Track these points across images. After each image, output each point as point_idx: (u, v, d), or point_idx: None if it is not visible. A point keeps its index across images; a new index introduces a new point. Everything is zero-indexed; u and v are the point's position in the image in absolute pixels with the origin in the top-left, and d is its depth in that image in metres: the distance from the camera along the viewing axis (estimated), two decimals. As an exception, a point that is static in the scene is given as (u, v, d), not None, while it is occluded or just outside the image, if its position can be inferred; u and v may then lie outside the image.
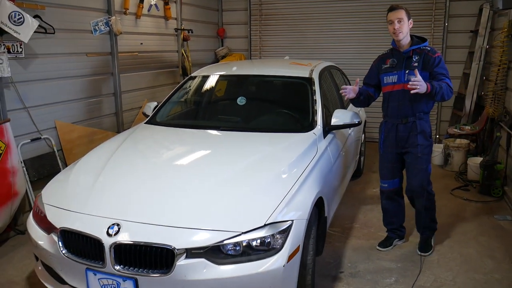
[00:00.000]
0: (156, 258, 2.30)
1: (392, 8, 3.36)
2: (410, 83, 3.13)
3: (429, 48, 3.40)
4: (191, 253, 2.29)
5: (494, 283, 3.24)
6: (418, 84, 3.10)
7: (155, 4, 5.97)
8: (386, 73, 3.50)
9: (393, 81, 3.46)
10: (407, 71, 3.38)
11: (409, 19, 3.35)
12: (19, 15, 3.72)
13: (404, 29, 3.32)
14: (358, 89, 3.55)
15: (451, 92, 3.29)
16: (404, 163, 3.62)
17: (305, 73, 4.01)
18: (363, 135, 5.48)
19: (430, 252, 3.68)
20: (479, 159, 5.39)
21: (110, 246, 2.33)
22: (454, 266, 3.48)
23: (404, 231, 3.89)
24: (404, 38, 3.37)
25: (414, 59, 3.38)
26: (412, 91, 3.14)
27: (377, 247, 3.78)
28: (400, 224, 3.85)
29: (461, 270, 3.42)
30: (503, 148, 5.24)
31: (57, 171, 4.25)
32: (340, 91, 3.63)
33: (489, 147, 5.59)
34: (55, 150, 4.44)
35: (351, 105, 4.60)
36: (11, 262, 3.58)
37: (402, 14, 3.31)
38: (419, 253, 3.66)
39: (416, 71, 3.20)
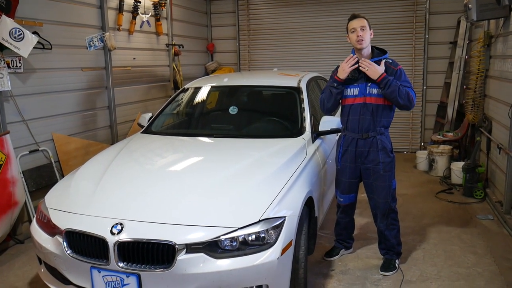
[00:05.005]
0: (157, 254, 2.44)
1: (354, 16, 3.29)
2: (361, 61, 3.19)
3: (390, 60, 3.32)
4: (191, 248, 2.44)
5: (476, 275, 3.43)
6: (367, 66, 3.16)
7: (147, 21, 6.18)
8: (347, 84, 3.36)
9: (354, 93, 3.34)
10: (369, 84, 3.29)
11: (370, 29, 3.28)
12: (19, 31, 3.88)
13: (366, 37, 3.23)
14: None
15: (410, 102, 3.21)
16: (361, 178, 3.53)
17: (293, 83, 4.21)
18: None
19: (393, 271, 3.48)
20: (462, 164, 5.62)
21: (114, 244, 2.46)
22: (438, 262, 3.66)
23: (351, 243, 3.86)
24: (366, 48, 3.27)
25: None
26: (361, 68, 3.20)
27: (323, 257, 3.74)
28: (348, 236, 3.82)
29: (445, 265, 3.61)
30: (483, 152, 5.49)
31: (55, 181, 4.38)
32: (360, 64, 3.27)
33: (471, 151, 5.83)
34: (53, 161, 4.56)
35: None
36: (12, 270, 3.68)
37: (364, 22, 3.24)
38: (381, 272, 3.47)
39: (369, 61, 3.21)
